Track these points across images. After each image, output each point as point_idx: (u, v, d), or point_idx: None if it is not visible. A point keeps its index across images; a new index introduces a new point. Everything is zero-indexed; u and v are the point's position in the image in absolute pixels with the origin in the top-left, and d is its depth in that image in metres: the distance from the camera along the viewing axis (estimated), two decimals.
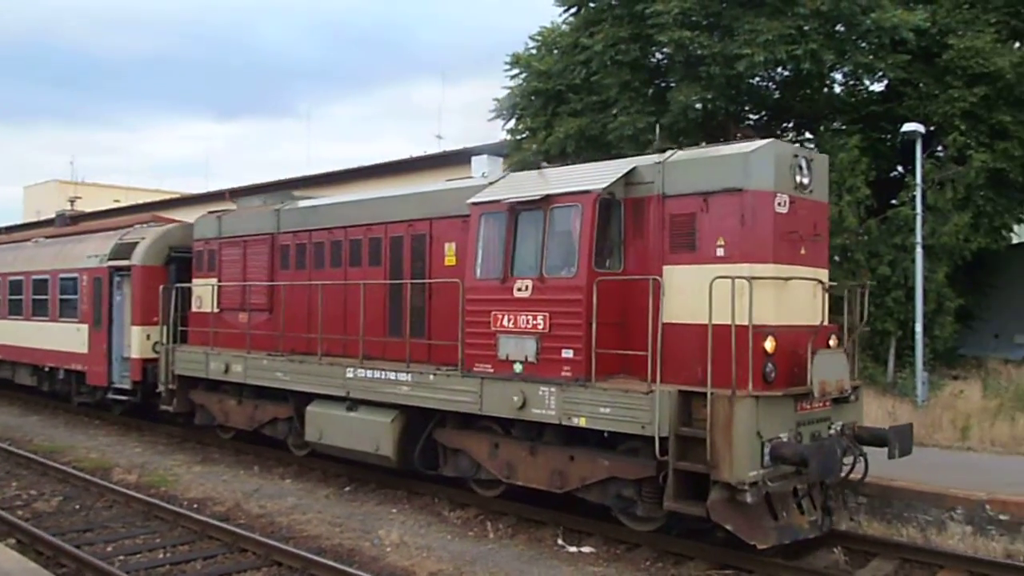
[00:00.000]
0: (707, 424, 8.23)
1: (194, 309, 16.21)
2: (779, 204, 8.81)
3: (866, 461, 9.32)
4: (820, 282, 9.13)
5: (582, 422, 9.21)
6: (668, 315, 9.07)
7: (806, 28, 17.22)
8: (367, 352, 12.33)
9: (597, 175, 9.66)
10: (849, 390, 9.19)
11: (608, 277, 9.31)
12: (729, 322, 8.37)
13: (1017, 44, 18.65)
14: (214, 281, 15.70)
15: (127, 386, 17.41)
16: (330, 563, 8.64)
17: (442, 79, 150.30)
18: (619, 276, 9.46)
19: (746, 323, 8.32)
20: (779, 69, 18.62)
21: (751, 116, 21.10)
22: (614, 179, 9.41)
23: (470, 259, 10.52)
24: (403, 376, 11.27)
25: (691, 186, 9.07)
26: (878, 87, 20.33)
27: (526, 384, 9.72)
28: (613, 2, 18.38)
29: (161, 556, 9.34)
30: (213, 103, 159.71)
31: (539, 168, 11.04)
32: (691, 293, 8.85)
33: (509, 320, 9.94)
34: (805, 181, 9.17)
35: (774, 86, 20.40)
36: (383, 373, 11.56)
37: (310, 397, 12.90)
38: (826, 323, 9.31)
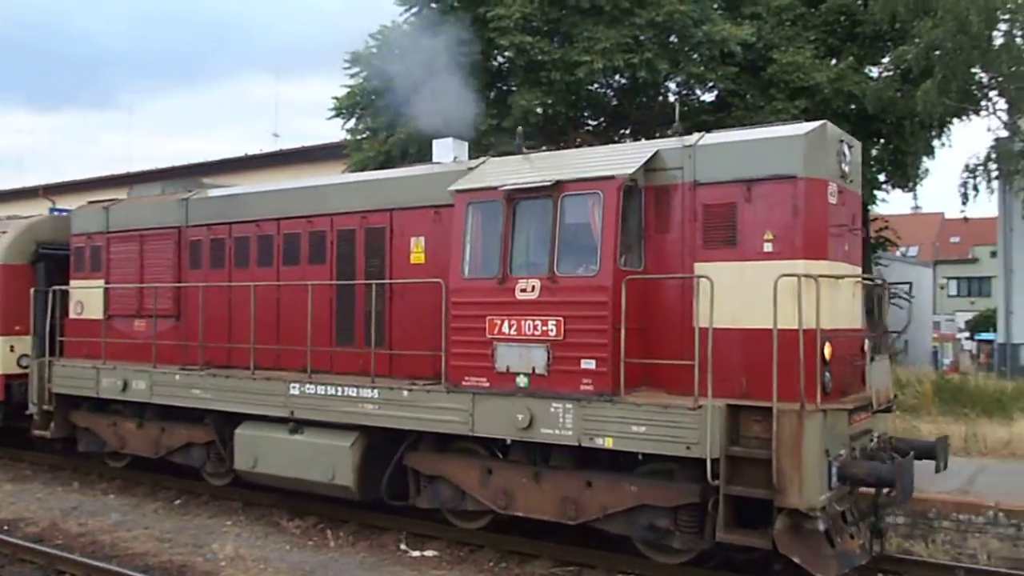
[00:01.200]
0: (773, 443, 7.18)
1: (72, 316, 13.80)
2: (831, 194, 7.91)
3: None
4: (871, 281, 8.27)
5: (608, 443, 7.96)
6: (702, 319, 8.00)
7: (642, 38, 17.59)
8: (307, 364, 10.63)
9: (618, 159, 8.45)
10: (892, 399, 8.43)
11: (635, 276, 8.12)
12: (793, 326, 7.38)
13: (833, 61, 19.57)
14: (101, 283, 13.37)
15: None
16: None
17: (276, 75, 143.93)
18: (646, 275, 8.29)
19: (810, 327, 7.36)
20: (617, 77, 18.97)
21: (590, 121, 21.59)
22: (640, 163, 8.22)
23: (455, 255, 9.05)
24: (367, 392, 9.64)
25: (729, 172, 8.02)
26: (709, 97, 20.91)
27: (533, 400, 8.37)
28: (455, 4, 18.00)
29: None
30: (31, 94, 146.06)
31: (522, 152, 9.71)
32: (730, 294, 7.78)
33: (510, 326, 8.56)
34: (847, 169, 8.33)
35: (612, 93, 20.71)
36: (340, 389, 9.87)
37: (238, 418, 10.98)
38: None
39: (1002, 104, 20.92)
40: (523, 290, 8.50)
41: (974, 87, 20.30)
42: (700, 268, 8.11)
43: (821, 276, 7.40)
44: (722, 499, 7.46)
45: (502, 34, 17.14)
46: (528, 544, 9.28)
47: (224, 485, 11.91)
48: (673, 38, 18.37)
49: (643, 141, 9.42)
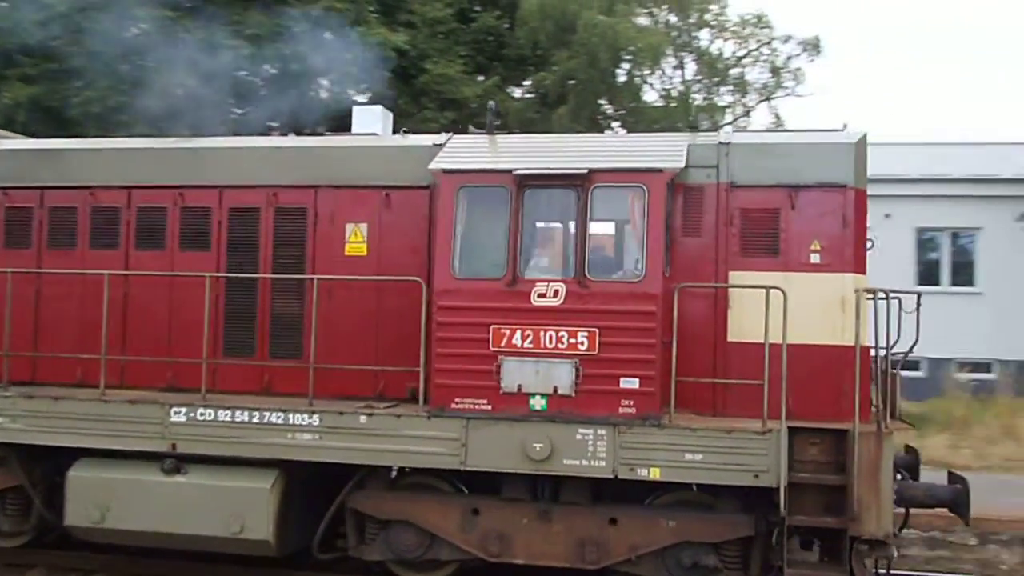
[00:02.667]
0: (853, 467, 6.69)
1: None
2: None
3: None
4: (893, 297, 8.11)
5: (655, 474, 6.93)
6: (736, 333, 7.35)
7: (296, 30, 17.40)
8: (175, 381, 8.18)
9: (657, 150, 7.44)
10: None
11: (690, 285, 7.21)
12: (848, 343, 6.99)
13: (481, 78, 21.04)
14: None
15: None
16: None
17: None
18: (700, 283, 7.41)
19: (866, 345, 7.04)
20: (267, 67, 18.59)
21: (236, 109, 20.58)
22: (685, 156, 7.30)
23: (441, 249, 7.38)
24: (302, 419, 7.51)
25: (771, 176, 7.45)
26: (362, 98, 20.99)
27: (554, 426, 7.05)
28: None
29: None
30: None
31: (494, 130, 8.26)
32: (773, 307, 7.20)
33: (523, 337, 7.14)
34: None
35: (262, 82, 20.14)
36: (257, 414, 7.60)
37: (67, 454, 8.06)
38: None
39: (622, 134, 23.50)
40: (542, 295, 7.15)
41: (601, 116, 22.90)
42: (736, 277, 7.43)
43: (890, 293, 7.10)
44: (785, 531, 6.82)
45: (141, 5, 15.60)
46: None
47: (17, 547, 8.70)
48: (328, 34, 18.13)
49: (673, 133, 8.51)
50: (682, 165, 7.15)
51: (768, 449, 6.75)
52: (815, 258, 7.37)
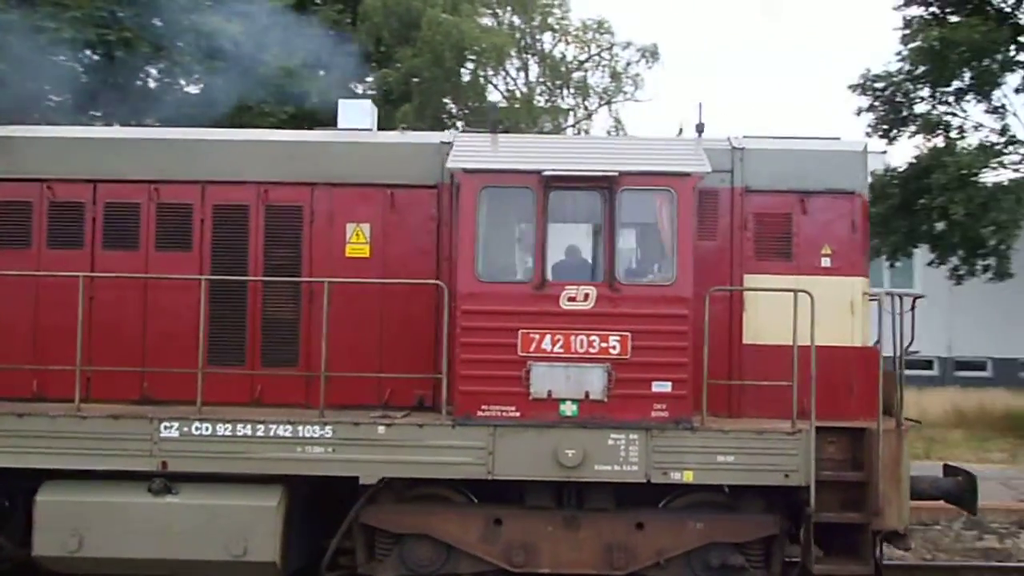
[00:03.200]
0: (876, 464, 6.94)
1: None
2: None
3: None
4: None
5: (688, 477, 6.94)
6: (752, 335, 7.51)
7: (120, 15, 16.95)
8: (150, 392, 7.53)
9: (681, 152, 7.44)
10: None
11: (720, 289, 7.27)
12: (859, 344, 7.27)
13: (322, 72, 20.63)
14: None
15: None
16: None
17: None
18: (731, 287, 7.49)
19: (873, 345, 7.33)
20: (88, 51, 17.79)
21: (53, 96, 19.44)
22: (707, 160, 7.35)
23: (462, 251, 7.11)
24: (312, 431, 7.04)
25: (783, 181, 7.65)
26: (194, 89, 20.35)
27: (584, 432, 6.94)
28: None
29: None
30: None
31: (496, 130, 8.03)
32: (786, 309, 7.37)
33: (553, 342, 6.98)
34: None
35: (83, 68, 19.10)
36: (262, 427, 7.06)
37: (24, 476, 7.21)
38: None
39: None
40: (572, 299, 7.01)
41: (445, 115, 23.43)
42: (750, 280, 7.58)
43: (906, 294, 7.42)
44: (812, 528, 7.00)
45: None
46: None
47: None
48: (158, 20, 17.58)
49: (677, 137, 8.50)
50: (709, 169, 7.18)
51: (798, 449, 6.91)
52: (826, 262, 7.62)
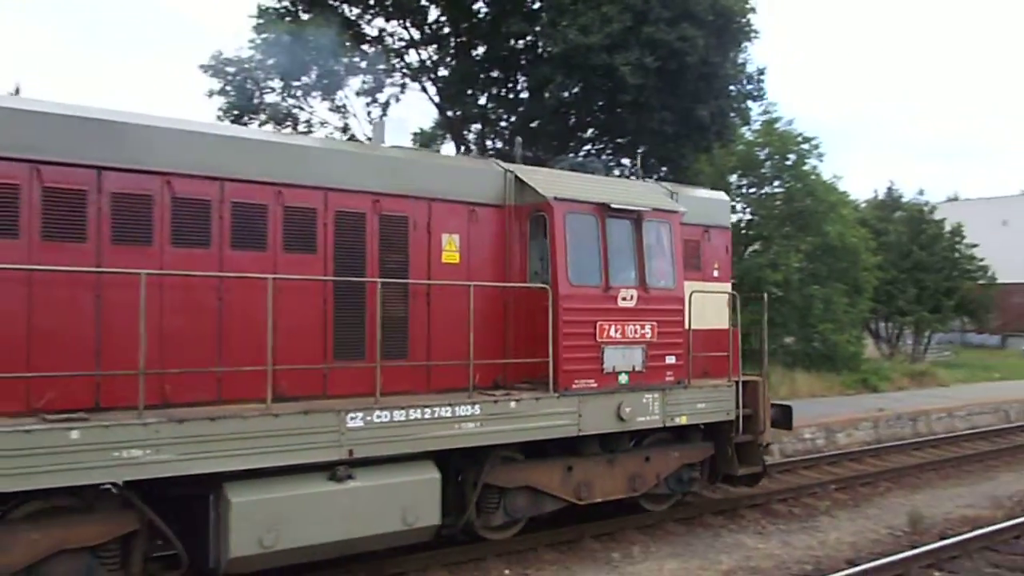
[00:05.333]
0: (760, 403, 11.02)
1: None
2: None
3: None
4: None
5: (683, 420, 10.16)
6: (694, 323, 11.04)
7: None
8: (283, 391, 8.07)
9: (658, 195, 10.47)
10: None
11: (697, 291, 10.50)
12: (727, 326, 11.32)
13: None
14: None
15: None
16: None
17: None
18: (703, 290, 10.69)
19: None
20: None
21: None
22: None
23: (559, 262, 9.18)
24: (464, 410, 8.41)
25: (697, 218, 11.23)
26: None
27: (632, 394, 9.67)
28: None
29: None
30: None
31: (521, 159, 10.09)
32: (697, 305, 11.10)
33: (616, 330, 9.55)
34: None
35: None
36: (428, 411, 8.16)
37: (202, 486, 7.13)
38: None
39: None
40: (624, 299, 9.66)
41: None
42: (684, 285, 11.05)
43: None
44: (734, 447, 10.83)
45: None
46: None
47: None
48: None
49: (645, 182, 11.11)
50: (684, 210, 10.46)
51: (731, 396, 10.66)
52: (716, 273, 11.46)
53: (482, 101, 22.69)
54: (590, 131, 22.74)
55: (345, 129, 22.94)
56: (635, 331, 9.72)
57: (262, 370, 7.39)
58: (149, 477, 6.71)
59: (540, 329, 9.04)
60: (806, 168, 25.16)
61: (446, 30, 22.31)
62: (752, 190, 26.02)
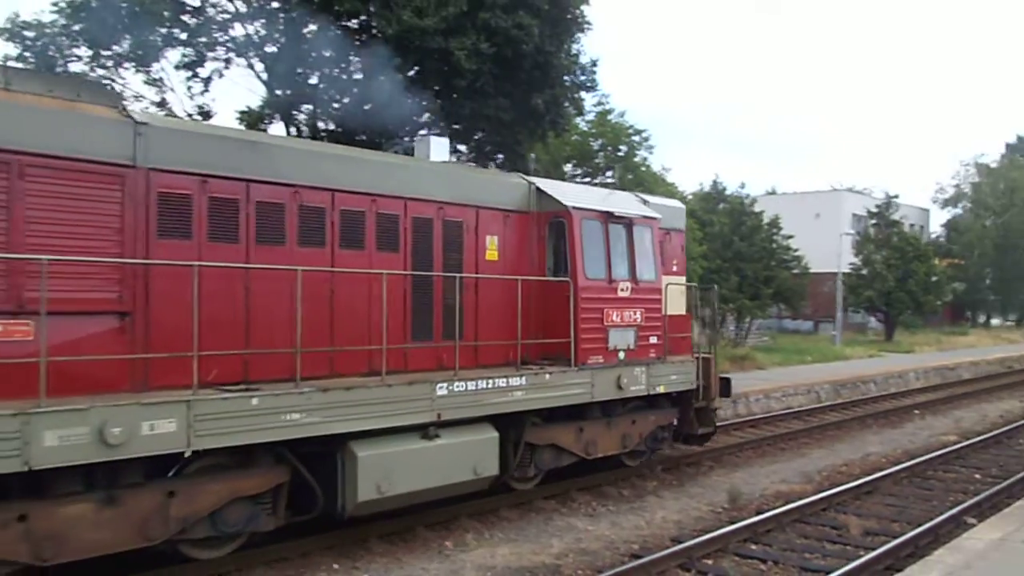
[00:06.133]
0: (712, 375, 13.52)
1: None
2: None
3: None
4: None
5: (662, 389, 12.46)
6: (667, 309, 13.37)
7: None
8: (372, 366, 9.76)
9: (642, 204, 12.69)
10: None
11: (672, 284, 12.79)
12: (685, 312, 13.80)
13: None
14: None
15: None
16: None
17: None
18: (674, 284, 12.94)
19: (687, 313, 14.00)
20: None
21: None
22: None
23: (577, 260, 11.22)
24: (515, 380, 10.32)
25: (665, 223, 13.54)
26: None
27: (626, 368, 11.86)
28: None
29: None
30: None
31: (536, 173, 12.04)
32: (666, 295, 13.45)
33: (617, 316, 11.71)
34: None
35: None
36: (489, 381, 10.03)
37: (329, 446, 8.72)
38: None
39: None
40: (622, 290, 11.83)
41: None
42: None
43: (695, 286, 14.11)
44: (694, 411, 13.27)
45: None
46: None
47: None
48: None
49: (627, 193, 13.12)
50: (660, 217, 12.74)
51: (695, 369, 13.08)
52: (675, 268, 13.84)
53: (314, 81, 21.17)
54: (426, 116, 21.45)
55: (162, 104, 20.95)
56: (630, 316, 11.92)
57: (375, 349, 9.03)
58: (304, 436, 8.24)
59: (555, 315, 11.09)
60: (636, 159, 26.32)
61: (275, 4, 20.27)
62: (586, 180, 27.03)
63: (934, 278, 44.20)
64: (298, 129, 22.16)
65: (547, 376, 10.73)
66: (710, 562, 9.16)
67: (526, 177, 11.77)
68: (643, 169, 27.06)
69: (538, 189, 11.55)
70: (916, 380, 27.18)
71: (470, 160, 22.33)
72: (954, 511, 10.69)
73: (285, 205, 8.87)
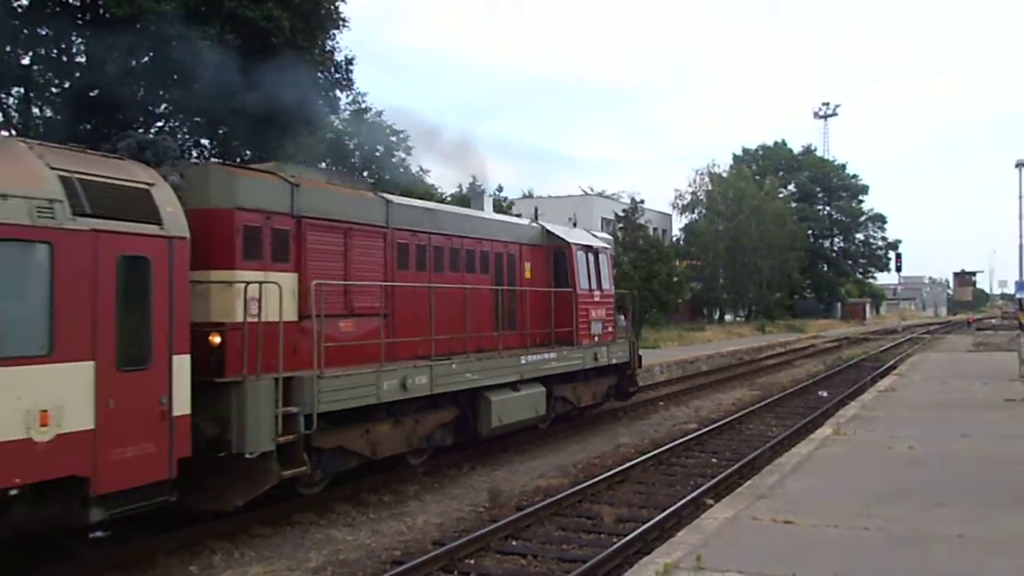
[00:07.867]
0: (634, 351, 20.15)
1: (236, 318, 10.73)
2: None
3: None
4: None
5: (614, 360, 18.90)
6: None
7: None
8: (482, 345, 15.44)
9: (593, 237, 19.07)
10: None
11: (618, 291, 19.24)
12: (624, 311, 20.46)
13: None
14: (291, 276, 11.42)
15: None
16: None
17: None
18: (619, 291, 19.35)
19: None
20: None
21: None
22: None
23: (578, 277, 17.40)
24: (550, 355, 16.32)
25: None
26: None
27: (599, 347, 18.19)
28: None
29: None
30: None
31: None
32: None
33: (595, 313, 18.03)
34: None
35: None
36: (540, 355, 15.96)
37: (474, 394, 14.29)
38: None
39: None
40: (595, 297, 18.17)
41: None
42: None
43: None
44: (627, 376, 19.84)
45: None
46: None
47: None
48: None
49: (591, 231, 19.17)
50: (610, 246, 19.18)
51: (629, 347, 19.66)
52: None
53: (26, 62, 19.45)
54: (163, 106, 20.47)
55: None
56: (599, 314, 18.29)
57: (496, 336, 14.74)
58: (471, 387, 13.78)
59: (561, 313, 17.20)
60: (395, 160, 26.36)
61: None
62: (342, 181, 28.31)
63: (675, 278, 48.21)
64: (7, 115, 19.85)
65: (564, 352, 16.83)
66: (472, 562, 9.23)
67: (539, 223, 17.79)
68: (402, 171, 27.08)
69: (547, 231, 17.58)
70: (661, 374, 28.46)
71: (214, 155, 21.36)
72: (694, 494, 11.50)
73: (444, 248, 14.31)
